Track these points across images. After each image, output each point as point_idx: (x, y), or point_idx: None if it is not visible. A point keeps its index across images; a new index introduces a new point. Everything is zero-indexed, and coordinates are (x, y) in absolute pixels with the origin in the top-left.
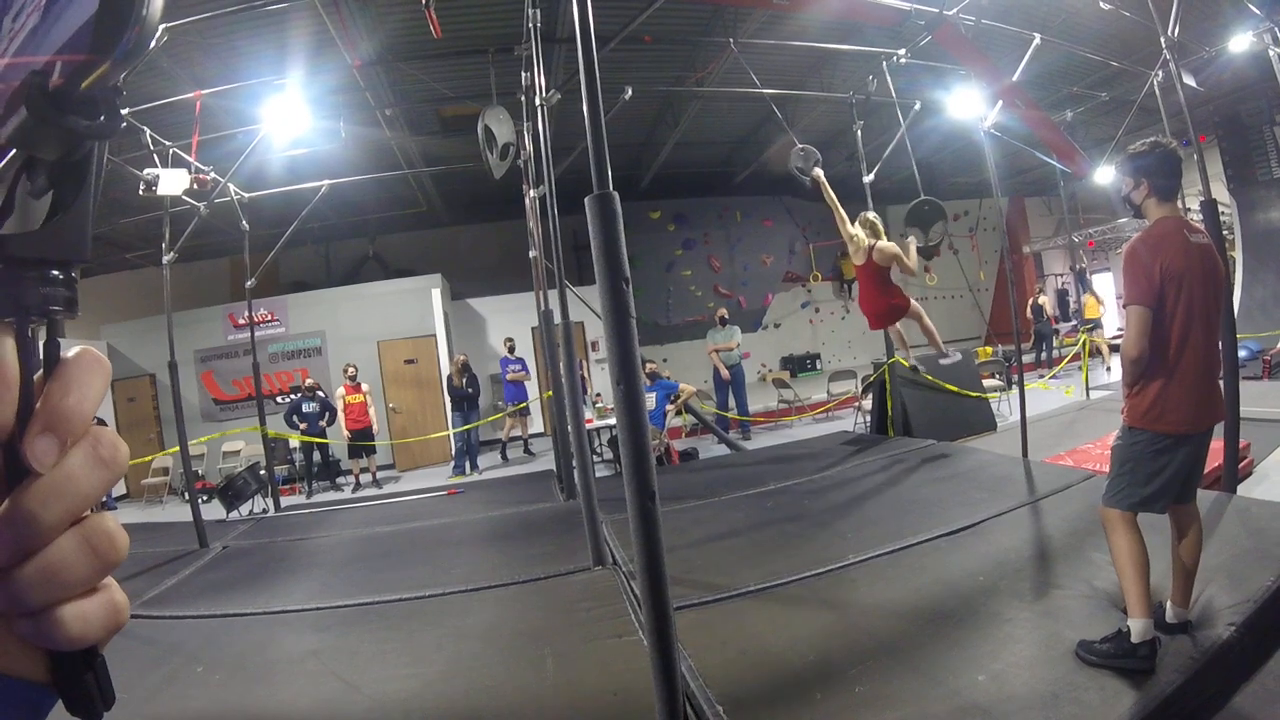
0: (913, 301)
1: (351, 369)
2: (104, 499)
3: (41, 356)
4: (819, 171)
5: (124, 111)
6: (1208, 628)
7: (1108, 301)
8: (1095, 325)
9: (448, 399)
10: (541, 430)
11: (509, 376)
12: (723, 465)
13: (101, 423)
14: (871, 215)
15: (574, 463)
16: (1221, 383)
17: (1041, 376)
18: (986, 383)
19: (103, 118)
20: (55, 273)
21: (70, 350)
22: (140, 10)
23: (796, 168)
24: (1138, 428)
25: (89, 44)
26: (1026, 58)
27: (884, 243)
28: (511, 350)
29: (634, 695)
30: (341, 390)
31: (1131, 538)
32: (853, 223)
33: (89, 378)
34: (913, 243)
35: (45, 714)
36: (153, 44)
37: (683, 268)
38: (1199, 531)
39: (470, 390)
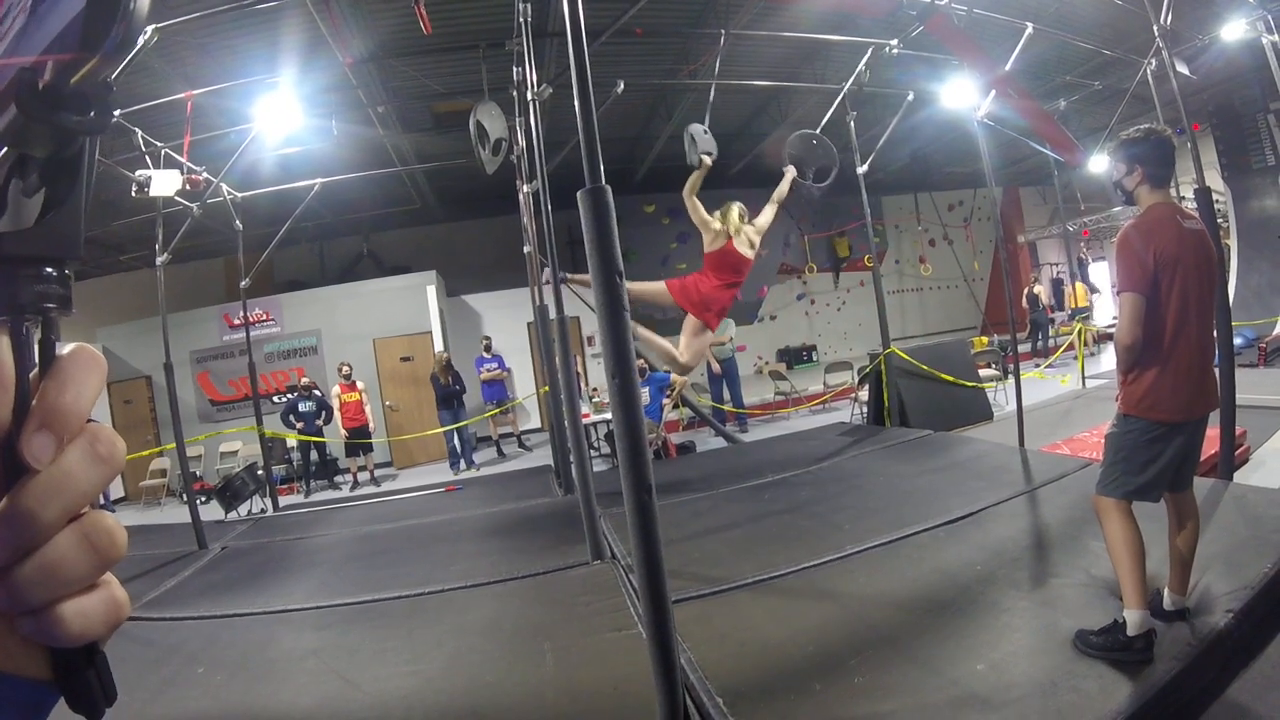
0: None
1: (346, 367)
2: (102, 502)
3: (37, 354)
4: (707, 160)
5: (116, 112)
6: (1205, 615)
7: (1103, 290)
8: (1085, 313)
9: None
10: (538, 425)
11: (482, 376)
12: (720, 458)
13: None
14: (737, 205)
15: (571, 457)
16: (1216, 370)
17: (1037, 365)
18: (983, 372)
19: (93, 113)
20: (49, 270)
21: (65, 348)
22: (128, 5)
23: (692, 136)
24: (1133, 415)
25: (77, 40)
26: (1019, 47)
27: (753, 228)
28: (488, 349)
29: (634, 689)
30: (337, 389)
31: (1126, 526)
32: (712, 212)
33: (85, 375)
34: (770, 208)
35: (48, 712)
36: (141, 39)
37: (678, 261)
38: (1196, 519)
39: (457, 387)
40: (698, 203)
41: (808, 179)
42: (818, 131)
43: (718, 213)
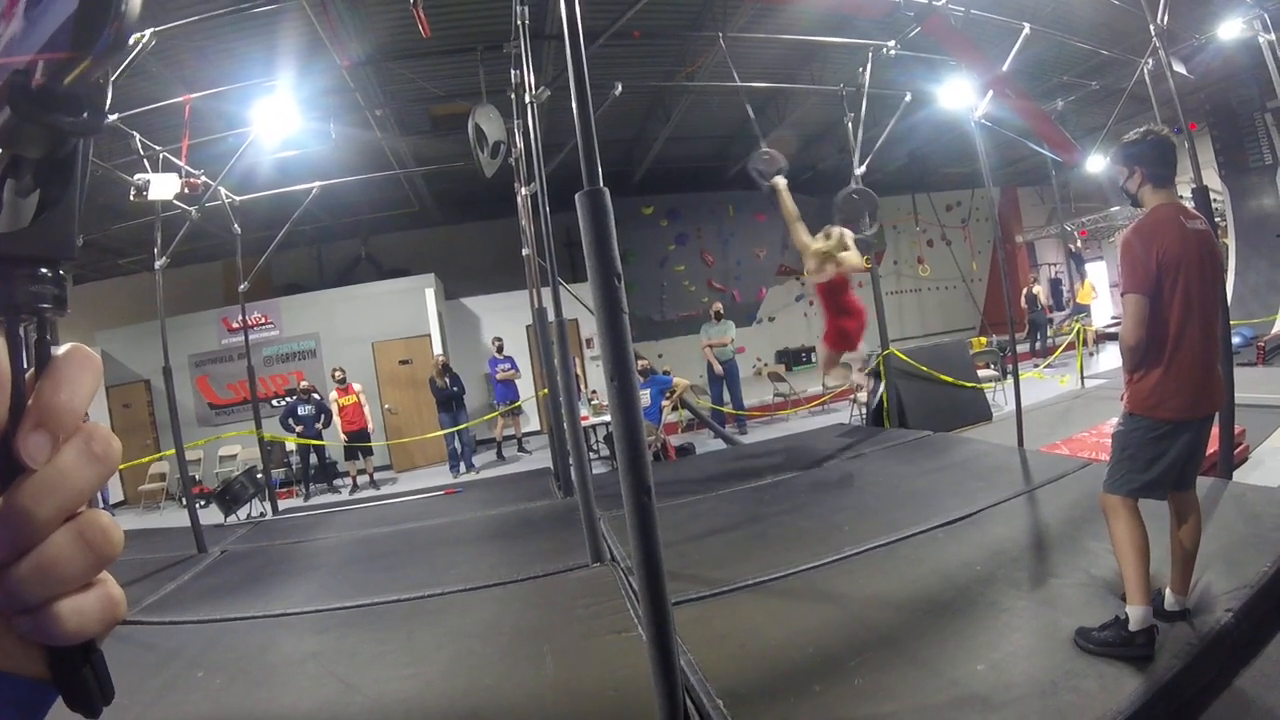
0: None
1: (339, 371)
2: (102, 506)
3: (33, 354)
4: (780, 180)
5: (113, 117)
6: (1205, 614)
7: (1101, 289)
8: (1084, 311)
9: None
10: (538, 428)
11: (499, 376)
12: (719, 460)
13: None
14: (838, 229)
15: (570, 460)
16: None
17: (1036, 366)
18: (981, 373)
19: (86, 114)
20: (44, 271)
21: (61, 348)
22: (119, 6)
23: (756, 170)
24: (1138, 414)
25: (70, 41)
26: (1016, 47)
27: (850, 254)
28: (500, 349)
29: (634, 691)
30: (334, 394)
31: (1132, 523)
32: (813, 235)
33: (80, 374)
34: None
35: (45, 710)
36: (139, 43)
37: (676, 263)
38: (1198, 519)
39: (455, 389)
40: (802, 226)
41: (859, 230)
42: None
43: (820, 235)
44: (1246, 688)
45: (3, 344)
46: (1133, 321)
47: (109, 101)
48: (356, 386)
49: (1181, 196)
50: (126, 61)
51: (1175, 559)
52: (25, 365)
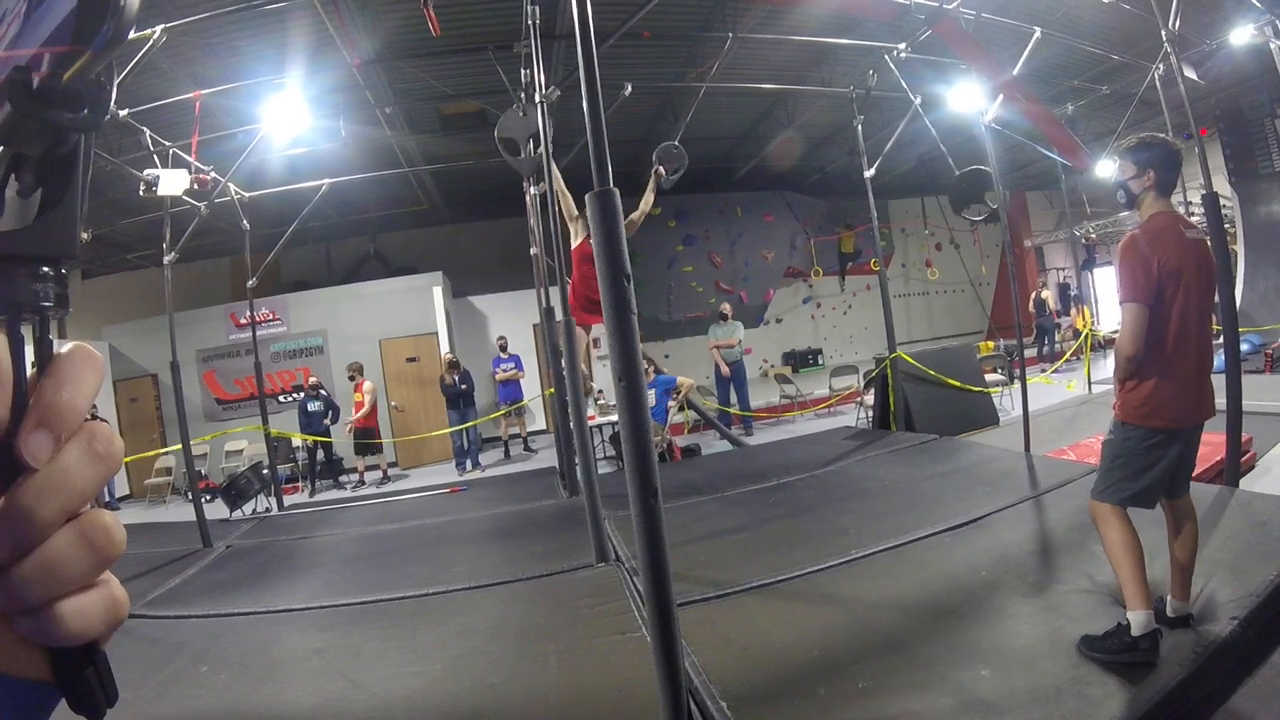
0: None
1: (354, 367)
2: (107, 500)
3: (34, 353)
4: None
5: (124, 112)
6: (1210, 622)
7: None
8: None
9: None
10: (544, 427)
11: (499, 376)
12: (725, 461)
13: (95, 416)
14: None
15: (576, 459)
16: (1224, 377)
17: (1044, 371)
18: (989, 377)
19: (86, 110)
20: (46, 269)
21: (63, 346)
22: (119, 0)
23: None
24: (1130, 423)
25: (70, 36)
26: (1027, 52)
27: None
28: (504, 348)
29: (637, 692)
30: (352, 390)
31: (1124, 529)
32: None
33: (82, 373)
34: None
35: (49, 712)
36: (142, 35)
37: (684, 264)
38: (1194, 524)
39: (463, 387)
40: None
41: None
42: None
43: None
44: (1251, 696)
45: (3, 342)
46: (1132, 330)
47: (112, 100)
48: (367, 385)
49: (1190, 203)
50: (137, 58)
51: (1174, 566)
52: (27, 364)
